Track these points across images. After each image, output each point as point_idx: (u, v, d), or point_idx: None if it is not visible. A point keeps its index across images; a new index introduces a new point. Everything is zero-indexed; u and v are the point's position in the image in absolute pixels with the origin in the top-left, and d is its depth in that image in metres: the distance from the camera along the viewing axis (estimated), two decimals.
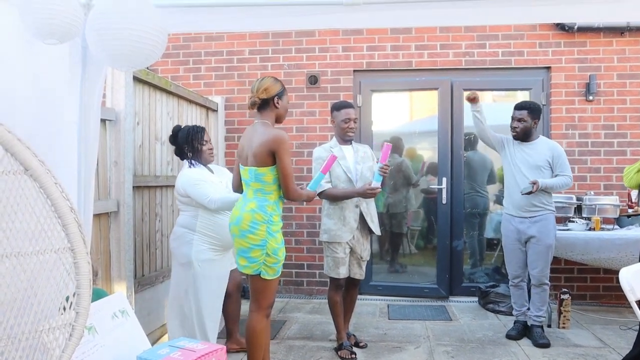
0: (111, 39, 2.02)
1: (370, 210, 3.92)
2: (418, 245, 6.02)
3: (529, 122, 4.09)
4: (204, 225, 3.48)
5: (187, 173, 3.51)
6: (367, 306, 5.26)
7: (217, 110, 5.48)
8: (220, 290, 3.61)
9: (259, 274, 2.94)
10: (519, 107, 4.17)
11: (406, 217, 5.92)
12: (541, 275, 4.11)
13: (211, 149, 3.70)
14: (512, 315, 4.83)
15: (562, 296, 4.49)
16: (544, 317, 4.24)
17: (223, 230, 3.43)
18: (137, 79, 3.77)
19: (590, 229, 4.50)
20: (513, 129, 4.15)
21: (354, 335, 4.16)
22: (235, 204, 3.09)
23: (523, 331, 4.28)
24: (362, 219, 3.86)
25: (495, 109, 6.06)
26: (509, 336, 4.25)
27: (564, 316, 4.47)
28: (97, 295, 2.11)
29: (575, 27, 5.21)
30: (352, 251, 3.87)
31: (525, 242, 4.14)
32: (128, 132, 3.51)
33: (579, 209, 4.76)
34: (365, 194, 3.67)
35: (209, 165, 3.70)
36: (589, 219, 4.61)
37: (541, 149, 4.11)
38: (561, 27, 5.27)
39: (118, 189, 3.46)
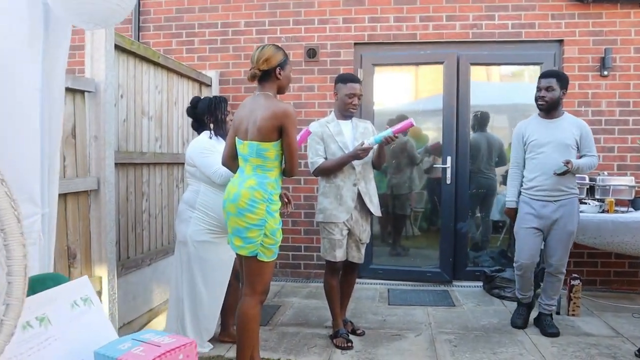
0: None
1: (370, 189, 3.67)
2: (421, 227, 5.80)
3: (557, 91, 3.75)
4: (204, 203, 3.33)
5: (199, 139, 3.41)
6: (366, 291, 5.05)
7: (211, 85, 5.23)
8: (220, 278, 3.42)
9: (256, 256, 2.74)
10: (546, 75, 3.83)
11: (410, 198, 5.68)
12: (559, 263, 3.84)
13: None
14: None
15: (572, 282, 4.25)
16: (555, 305, 4.01)
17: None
18: (120, 49, 3.52)
19: (603, 211, 4.25)
20: (540, 98, 3.79)
21: (351, 322, 3.94)
22: (231, 180, 2.87)
23: (527, 317, 4.04)
24: (360, 199, 3.61)
25: (503, 89, 5.80)
26: (514, 324, 4.01)
27: (574, 303, 4.24)
28: (56, 281, 1.88)
29: None
30: (351, 233, 3.63)
31: (546, 228, 3.85)
32: (109, 104, 3.26)
33: (591, 190, 4.50)
34: (357, 154, 3.44)
35: None
36: (602, 200, 4.35)
37: (568, 126, 3.80)
38: None
39: (98, 165, 3.22)
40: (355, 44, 5.27)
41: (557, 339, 3.77)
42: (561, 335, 3.82)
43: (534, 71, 5.21)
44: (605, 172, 4.68)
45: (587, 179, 4.48)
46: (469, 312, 4.36)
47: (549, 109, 3.82)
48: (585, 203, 4.30)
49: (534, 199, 3.84)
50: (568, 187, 3.79)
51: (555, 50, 5.09)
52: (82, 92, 3.11)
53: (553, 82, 3.77)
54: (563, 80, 3.79)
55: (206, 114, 3.47)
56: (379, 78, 5.39)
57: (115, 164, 3.37)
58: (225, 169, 3.13)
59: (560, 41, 5.06)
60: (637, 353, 3.41)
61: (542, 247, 3.96)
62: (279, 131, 2.71)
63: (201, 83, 5.02)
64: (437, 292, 5.00)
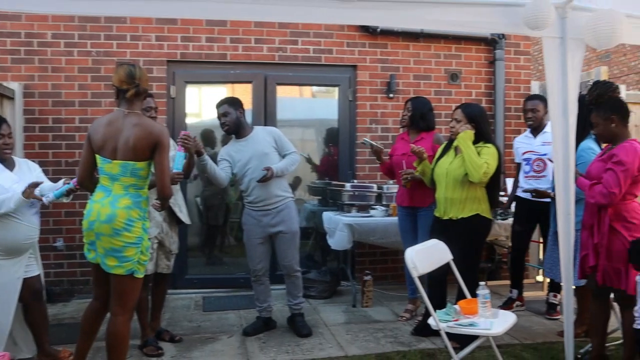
0: None
1: (178, 200, 3.87)
2: (238, 236, 6.08)
3: (233, 113, 4.07)
4: None
5: None
6: (182, 300, 5.19)
7: (14, 98, 4.99)
8: (4, 300, 3.28)
9: (132, 274, 2.81)
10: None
11: (223, 209, 5.95)
12: (291, 264, 4.20)
13: (7, 144, 3.34)
14: (322, 298, 5.14)
15: (365, 277, 4.88)
16: (303, 302, 4.33)
17: (8, 234, 3.18)
18: None
19: (389, 215, 4.92)
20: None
21: (167, 331, 4.08)
22: (95, 200, 2.84)
23: (263, 327, 4.24)
24: (169, 210, 3.79)
25: (309, 105, 6.38)
26: (245, 332, 4.18)
27: (367, 296, 4.86)
28: None
29: (378, 29, 5.65)
30: (161, 245, 3.79)
31: (270, 235, 4.14)
32: None
33: (379, 197, 5.17)
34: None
35: (16, 159, 3.42)
36: (387, 205, 5.03)
37: (262, 138, 4.11)
38: (365, 29, 5.67)
39: None
40: (168, 61, 5.42)
41: (351, 326, 4.33)
42: (355, 324, 4.40)
43: (335, 90, 5.83)
44: (392, 181, 5.39)
45: (376, 187, 5.16)
46: (278, 312, 4.72)
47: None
48: (374, 208, 4.94)
49: (255, 210, 4.12)
50: (281, 193, 4.12)
51: (350, 74, 5.76)
52: None
53: (225, 107, 4.08)
54: (235, 104, 4.10)
55: None
56: (192, 94, 5.60)
57: None
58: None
59: (355, 66, 5.73)
60: (413, 332, 4.09)
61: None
62: (152, 150, 2.78)
63: (2, 95, 4.78)
64: (250, 296, 5.29)
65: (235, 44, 5.50)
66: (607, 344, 3.59)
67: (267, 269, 4.27)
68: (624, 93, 5.85)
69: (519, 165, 4.76)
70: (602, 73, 5.51)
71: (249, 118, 5.53)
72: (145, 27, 5.36)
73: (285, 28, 5.57)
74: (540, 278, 5.76)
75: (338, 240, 4.78)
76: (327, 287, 5.25)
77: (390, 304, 4.96)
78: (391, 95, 5.73)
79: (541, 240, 4.82)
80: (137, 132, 2.78)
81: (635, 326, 2.97)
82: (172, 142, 3.72)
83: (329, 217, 5.07)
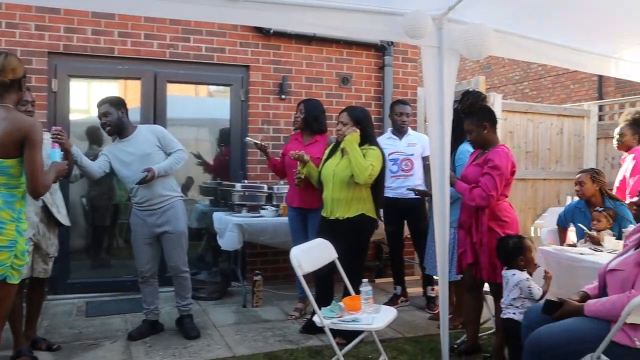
0: None
1: (56, 200, 3.68)
2: (127, 238, 5.85)
3: (115, 114, 3.97)
4: None
5: None
6: (62, 306, 4.91)
7: None
8: None
9: (4, 279, 2.59)
10: None
11: (111, 209, 5.72)
12: (178, 264, 4.12)
13: None
14: (213, 299, 5.11)
15: (255, 277, 4.90)
16: (191, 304, 4.27)
17: None
18: None
19: (279, 215, 4.96)
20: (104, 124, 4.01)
21: (44, 340, 3.84)
22: None
23: (149, 330, 4.14)
24: (47, 211, 3.59)
25: (201, 104, 6.30)
26: (130, 337, 4.05)
27: (257, 296, 4.88)
28: None
29: (271, 31, 5.68)
30: (38, 247, 3.57)
31: (157, 235, 4.08)
32: None
33: (270, 197, 5.21)
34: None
35: None
36: (277, 206, 5.07)
37: (141, 138, 4.02)
38: (259, 30, 5.69)
39: None
40: (49, 52, 5.11)
41: (240, 326, 4.34)
42: (245, 324, 4.42)
43: (226, 90, 5.80)
44: (282, 182, 5.44)
45: (266, 187, 5.20)
46: (166, 314, 4.61)
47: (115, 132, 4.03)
48: (265, 208, 4.97)
49: (141, 210, 4.05)
50: (166, 192, 4.05)
51: (243, 74, 5.75)
52: None
53: (106, 106, 3.96)
54: (117, 104, 3.99)
55: None
56: (78, 89, 5.34)
57: None
58: None
59: (247, 66, 5.73)
60: (301, 330, 4.16)
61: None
62: (21, 146, 2.59)
63: None
64: (137, 299, 5.11)
65: (124, 38, 5.30)
66: (480, 334, 3.88)
67: (155, 271, 4.18)
68: (500, 102, 6.34)
69: None
70: (480, 82, 5.90)
71: (137, 116, 5.37)
72: (23, 15, 5.01)
73: (177, 24, 5.44)
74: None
75: (228, 240, 4.75)
76: (217, 288, 5.21)
77: (281, 304, 5.01)
78: (283, 96, 5.79)
79: (409, 236, 5.05)
80: (4, 126, 2.60)
81: (503, 315, 3.24)
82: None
83: (219, 218, 5.04)
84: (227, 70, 5.69)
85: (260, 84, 5.74)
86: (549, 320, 2.70)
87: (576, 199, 4.44)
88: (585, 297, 2.83)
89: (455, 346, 3.79)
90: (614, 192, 4.50)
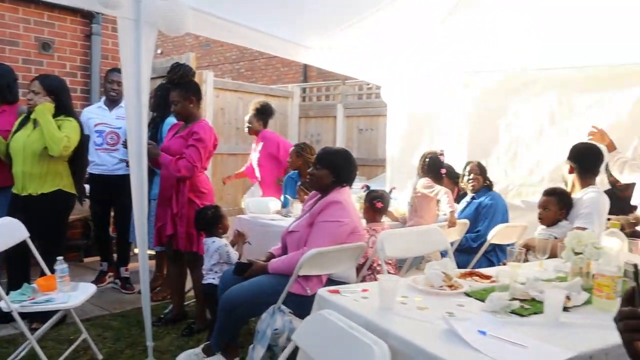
0: None
1: None
2: None
3: None
4: None
5: None
6: None
7: None
8: None
9: None
10: None
11: None
12: None
13: None
14: None
15: None
16: None
17: None
18: None
19: None
20: None
21: None
22: None
23: None
24: None
25: None
26: None
27: None
28: None
29: None
30: None
31: None
32: None
33: None
34: None
35: None
36: None
37: None
38: None
39: None
40: None
41: None
42: None
43: None
44: None
45: None
46: None
47: None
48: None
49: None
50: None
51: None
52: None
53: None
54: None
55: None
56: None
57: None
58: None
59: None
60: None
61: None
62: None
63: None
64: None
65: None
66: (186, 302, 4.04)
67: None
68: (212, 80, 6.57)
69: (87, 136, 4.43)
70: (191, 58, 6.00)
71: None
72: None
73: None
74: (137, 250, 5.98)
75: None
76: None
77: None
78: None
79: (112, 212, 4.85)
80: None
81: (204, 281, 3.43)
82: None
83: None
84: None
85: None
86: (241, 280, 2.96)
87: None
88: (270, 257, 3.17)
89: (162, 316, 3.89)
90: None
